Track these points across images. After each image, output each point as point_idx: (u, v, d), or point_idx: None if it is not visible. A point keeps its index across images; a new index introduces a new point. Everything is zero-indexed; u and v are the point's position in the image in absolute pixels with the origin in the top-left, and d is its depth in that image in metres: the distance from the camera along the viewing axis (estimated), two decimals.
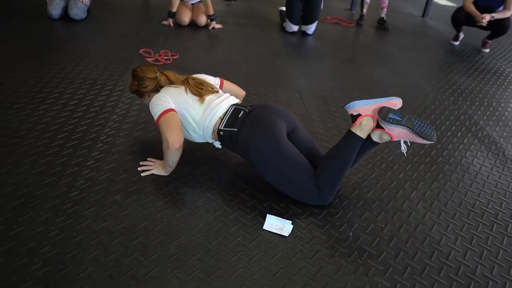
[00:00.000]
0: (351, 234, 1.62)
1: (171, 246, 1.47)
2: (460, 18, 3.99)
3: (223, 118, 1.73)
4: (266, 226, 1.59)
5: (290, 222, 1.62)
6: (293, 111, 2.51)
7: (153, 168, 1.84)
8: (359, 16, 4.65)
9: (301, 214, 1.68)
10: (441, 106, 2.82)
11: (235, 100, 1.85)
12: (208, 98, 1.80)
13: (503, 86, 3.28)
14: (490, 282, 1.48)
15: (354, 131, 1.63)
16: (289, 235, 1.57)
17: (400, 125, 1.55)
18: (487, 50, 4.06)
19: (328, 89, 2.88)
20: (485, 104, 2.92)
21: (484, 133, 2.51)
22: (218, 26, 3.93)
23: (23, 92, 2.40)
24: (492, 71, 3.60)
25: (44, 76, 2.63)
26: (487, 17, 3.67)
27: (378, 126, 1.63)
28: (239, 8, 4.82)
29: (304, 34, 4.06)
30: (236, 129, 1.68)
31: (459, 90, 3.11)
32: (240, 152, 1.74)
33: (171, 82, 1.85)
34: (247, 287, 1.34)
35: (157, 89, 1.87)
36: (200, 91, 1.80)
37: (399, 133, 1.58)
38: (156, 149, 2.00)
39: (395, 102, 1.67)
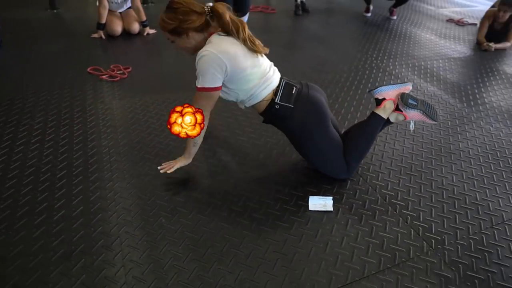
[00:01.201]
0: (378, 195, 1.85)
1: (241, 248, 1.53)
2: None
3: (276, 92, 1.72)
4: (311, 207, 1.74)
5: (331, 197, 1.78)
6: None
7: (174, 164, 1.81)
8: (298, 6, 4.75)
9: (332, 189, 1.86)
10: (386, 72, 3.20)
11: (279, 73, 1.83)
12: (263, 66, 1.73)
13: (417, 45, 3.83)
14: (489, 203, 1.84)
15: (378, 113, 1.84)
16: (333, 209, 1.74)
17: (416, 109, 1.79)
18: (395, 17, 4.64)
19: (292, 76, 3.06)
20: (417, 64, 3.40)
21: (429, 89, 2.95)
22: (152, 31, 3.82)
23: None
24: (407, 34, 4.15)
25: None
26: None
27: (397, 108, 1.86)
28: (161, 10, 4.68)
29: None
30: (292, 106, 1.73)
31: (392, 55, 3.54)
32: (290, 127, 1.77)
33: (229, 24, 1.61)
34: (326, 262, 1.49)
35: (202, 28, 1.64)
36: (255, 47, 1.68)
37: (413, 115, 1.82)
38: (168, 156, 1.98)
39: (409, 87, 1.89)
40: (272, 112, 1.75)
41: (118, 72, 2.93)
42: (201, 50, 1.62)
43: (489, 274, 1.47)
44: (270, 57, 2.15)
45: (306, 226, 1.65)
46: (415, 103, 1.80)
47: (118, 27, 3.63)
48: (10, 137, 2.16)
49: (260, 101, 1.75)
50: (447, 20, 4.69)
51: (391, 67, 3.30)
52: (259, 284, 1.39)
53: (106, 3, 3.52)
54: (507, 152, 2.20)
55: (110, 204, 1.72)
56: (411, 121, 1.87)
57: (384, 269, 1.47)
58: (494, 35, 3.80)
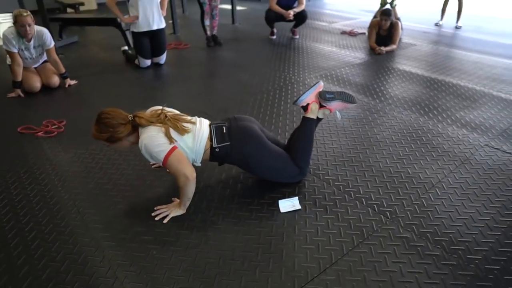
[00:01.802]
0: (333, 187, 2.13)
1: (235, 257, 1.67)
2: (272, 18, 5.00)
3: (211, 138, 1.95)
4: (282, 209, 1.95)
5: (297, 197, 2.02)
6: None
7: (169, 211, 1.93)
8: (210, 39, 5.01)
9: (294, 191, 2.10)
10: (305, 84, 3.61)
11: (206, 120, 2.04)
12: (191, 126, 1.94)
13: (323, 57, 4.37)
14: (419, 174, 2.24)
15: (308, 116, 2.13)
16: (301, 207, 1.97)
17: (335, 100, 2.12)
18: (297, 36, 5.19)
19: (222, 105, 3.29)
20: (328, 73, 3.88)
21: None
22: (73, 82, 3.75)
23: None
24: (312, 49, 4.69)
25: None
26: (291, 13, 4.76)
27: (320, 106, 2.16)
28: (74, 60, 4.58)
29: (157, 65, 4.29)
30: (229, 143, 1.94)
31: (305, 69, 3.99)
32: (236, 161, 2.01)
33: (151, 122, 1.85)
34: (311, 250, 1.70)
35: (133, 132, 1.87)
36: (178, 129, 1.86)
37: (336, 106, 2.14)
38: (135, 196, 2.04)
39: (321, 85, 2.21)
40: (215, 155, 1.97)
41: (53, 126, 2.87)
42: (139, 143, 1.82)
43: (435, 227, 1.82)
44: (194, 89, 2.32)
45: (283, 226, 1.85)
46: (332, 95, 2.12)
47: (36, 83, 3.51)
48: None
49: (204, 153, 1.96)
50: (341, 33, 5.39)
51: (308, 80, 3.72)
52: (262, 283, 1.55)
53: (20, 60, 3.40)
54: (419, 133, 2.68)
55: (96, 250, 1.74)
56: (337, 112, 2.18)
57: (358, 244, 1.74)
58: (382, 40, 4.51)
